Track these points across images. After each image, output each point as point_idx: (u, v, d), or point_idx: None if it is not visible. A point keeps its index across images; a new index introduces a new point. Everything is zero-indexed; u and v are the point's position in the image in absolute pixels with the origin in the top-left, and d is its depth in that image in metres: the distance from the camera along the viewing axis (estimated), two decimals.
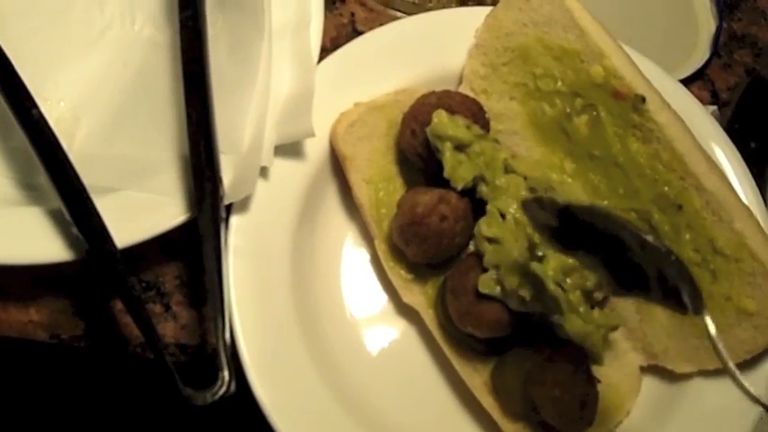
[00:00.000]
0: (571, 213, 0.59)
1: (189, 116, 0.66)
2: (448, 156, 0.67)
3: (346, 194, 0.74)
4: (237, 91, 0.69)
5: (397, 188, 0.73)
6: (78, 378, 0.71)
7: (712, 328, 0.57)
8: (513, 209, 0.68)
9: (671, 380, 0.71)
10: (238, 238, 0.67)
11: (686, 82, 0.83)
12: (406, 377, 0.72)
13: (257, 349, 0.66)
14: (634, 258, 0.58)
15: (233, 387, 0.58)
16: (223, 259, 0.64)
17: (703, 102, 0.84)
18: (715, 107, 0.84)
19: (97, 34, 0.75)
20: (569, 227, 0.59)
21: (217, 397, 0.57)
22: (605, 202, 0.72)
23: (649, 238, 0.57)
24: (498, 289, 0.65)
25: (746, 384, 0.58)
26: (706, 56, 0.85)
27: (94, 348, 0.70)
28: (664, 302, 0.59)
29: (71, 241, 0.64)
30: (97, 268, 0.64)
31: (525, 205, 0.62)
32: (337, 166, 0.73)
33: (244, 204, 0.68)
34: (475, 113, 0.70)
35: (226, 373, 0.58)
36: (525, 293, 0.65)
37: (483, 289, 0.65)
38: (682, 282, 0.57)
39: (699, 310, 0.57)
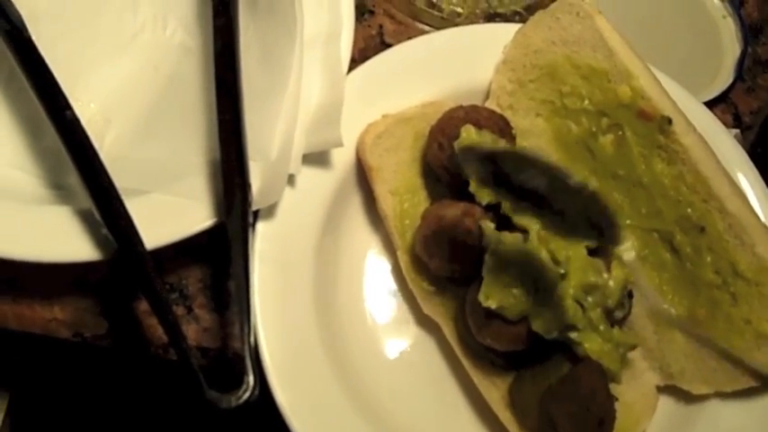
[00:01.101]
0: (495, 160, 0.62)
1: (220, 122, 0.67)
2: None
3: (371, 205, 0.74)
4: (268, 99, 0.70)
5: (421, 200, 0.73)
6: (100, 377, 0.71)
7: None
8: (537, 226, 0.68)
9: (687, 401, 0.72)
10: (264, 243, 0.68)
11: (710, 105, 0.83)
12: (424, 387, 0.72)
13: (279, 355, 0.66)
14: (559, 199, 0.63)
15: (257, 392, 0.59)
16: (251, 265, 0.64)
17: (726, 125, 0.84)
18: (738, 131, 0.85)
19: (129, 38, 0.76)
20: (498, 173, 0.64)
21: (241, 401, 0.58)
22: (628, 221, 0.72)
23: (570, 180, 0.62)
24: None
25: None
26: (730, 79, 0.85)
27: (117, 348, 0.71)
28: (588, 238, 0.66)
29: (100, 241, 0.65)
30: (126, 269, 0.65)
31: (461, 151, 0.65)
32: (363, 176, 0.74)
33: (270, 211, 0.69)
34: (501, 129, 0.70)
35: (251, 378, 0.59)
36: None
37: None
38: (601, 216, 0.65)
39: (616, 241, 0.67)
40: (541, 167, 0.64)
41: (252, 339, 0.61)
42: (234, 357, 0.71)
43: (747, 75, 0.88)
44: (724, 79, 0.86)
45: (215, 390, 0.59)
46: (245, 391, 0.58)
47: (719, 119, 0.81)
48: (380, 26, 0.83)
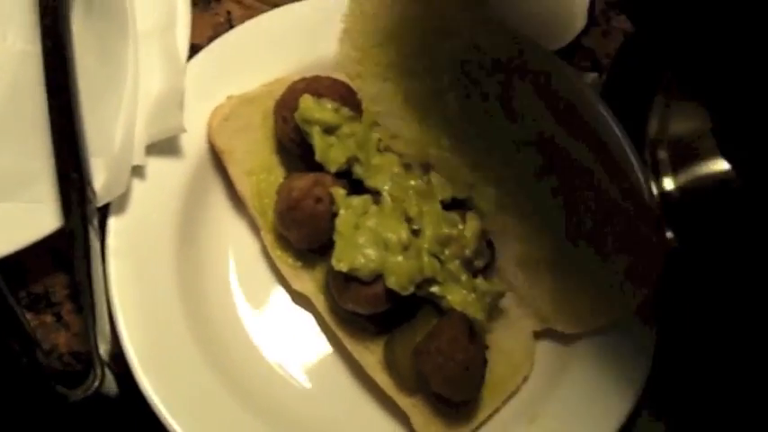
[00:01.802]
0: None
1: (53, 123, 0.66)
2: (317, 139, 0.68)
3: (231, 188, 0.74)
4: (106, 94, 0.70)
5: (278, 177, 0.73)
6: None
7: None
8: (387, 186, 0.69)
9: (565, 342, 0.72)
10: (116, 239, 0.67)
11: (567, 53, 0.84)
12: (302, 363, 0.72)
13: (143, 348, 0.66)
14: None
15: (109, 382, 0.59)
16: (96, 261, 0.64)
17: (584, 70, 0.85)
18: (595, 74, 0.85)
19: None
20: None
21: (90, 392, 0.57)
22: (485, 174, 0.72)
23: None
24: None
25: None
26: (583, 24, 0.86)
27: None
28: None
29: None
30: None
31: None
32: (219, 161, 0.73)
33: (121, 206, 0.68)
34: (344, 96, 0.71)
35: (98, 369, 0.59)
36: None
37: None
38: None
39: None
40: None
41: (99, 333, 0.61)
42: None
43: (601, 18, 0.89)
44: (578, 24, 0.86)
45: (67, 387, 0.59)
46: (93, 381, 0.58)
47: (579, 66, 0.81)
48: (228, 12, 0.82)
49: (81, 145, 0.66)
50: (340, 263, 0.65)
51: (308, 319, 0.73)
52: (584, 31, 0.86)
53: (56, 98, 0.67)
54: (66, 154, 0.65)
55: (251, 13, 0.82)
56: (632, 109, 0.79)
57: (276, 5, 0.83)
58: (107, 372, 0.59)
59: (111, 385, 0.59)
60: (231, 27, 0.82)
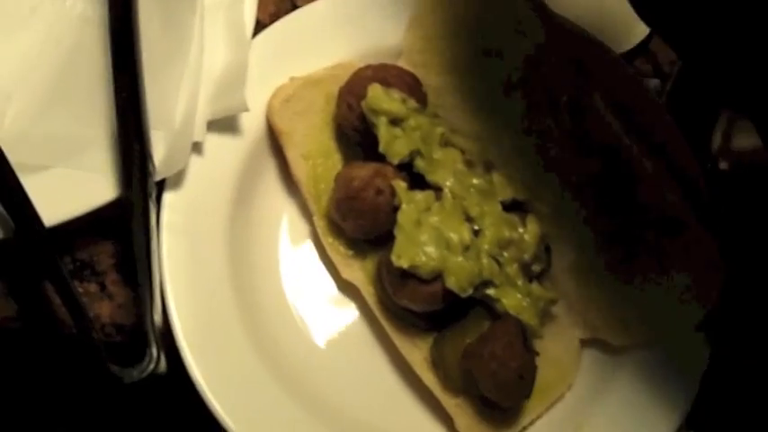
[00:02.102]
0: None
1: (117, 92, 0.65)
2: (383, 130, 0.67)
3: (285, 170, 0.73)
4: (169, 66, 0.68)
5: (335, 163, 0.72)
6: (11, 360, 0.70)
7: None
8: (449, 182, 0.67)
9: (612, 353, 0.71)
10: (172, 214, 0.66)
11: (629, 56, 0.82)
12: (346, 353, 0.71)
13: (191, 326, 0.65)
14: None
15: (162, 363, 0.58)
16: (154, 236, 0.63)
17: (646, 76, 0.83)
18: (657, 81, 0.84)
19: (28, 11, 0.73)
20: None
21: (145, 374, 0.57)
22: (545, 176, 0.71)
23: None
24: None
25: None
26: (647, 29, 0.84)
27: (28, 330, 0.69)
28: None
29: None
30: (25, 248, 0.63)
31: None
32: (276, 142, 0.72)
33: (178, 181, 0.67)
34: (411, 87, 0.69)
35: (154, 350, 0.58)
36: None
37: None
38: None
39: None
40: None
41: (156, 312, 0.60)
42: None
43: None
44: (642, 29, 0.85)
45: (120, 365, 0.58)
46: (149, 363, 0.57)
47: (639, 70, 0.80)
48: None
49: (144, 116, 0.65)
50: (400, 259, 0.64)
51: (353, 308, 0.72)
52: (647, 36, 0.85)
53: (121, 68, 0.65)
54: (129, 125, 0.64)
55: None
56: (696, 120, 0.78)
57: None
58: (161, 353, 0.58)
59: (162, 365, 0.58)
60: (293, 4, 0.80)
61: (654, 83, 0.84)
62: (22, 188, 0.62)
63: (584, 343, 0.72)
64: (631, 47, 0.83)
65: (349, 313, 0.72)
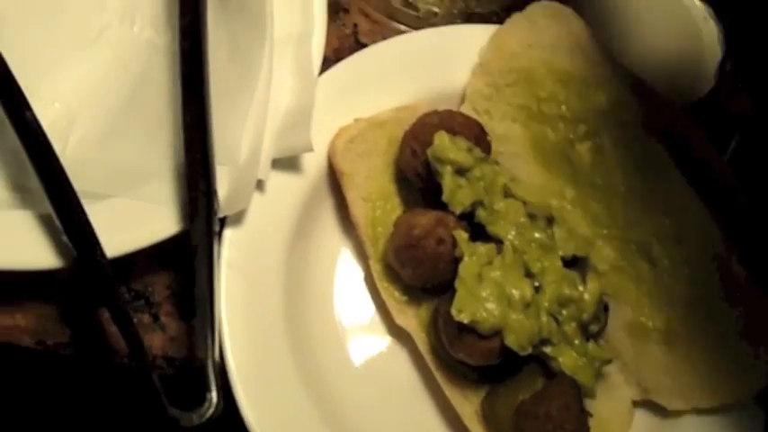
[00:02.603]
0: None
1: (186, 125, 0.64)
2: (448, 180, 0.66)
3: (343, 210, 0.72)
4: (236, 100, 0.68)
5: (394, 207, 0.72)
6: (63, 386, 0.70)
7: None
8: (511, 235, 0.67)
9: (663, 416, 0.70)
10: (232, 251, 0.66)
11: (695, 109, 0.82)
12: (395, 399, 0.70)
13: (245, 366, 0.65)
14: None
15: (221, 408, 0.57)
16: (215, 273, 0.62)
17: (712, 128, 0.82)
18: (721, 135, 0.83)
19: (96, 34, 0.73)
20: None
21: (204, 419, 0.56)
22: (605, 231, 0.71)
23: None
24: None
25: None
26: (711, 83, 0.84)
27: (80, 356, 0.69)
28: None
29: (60, 248, 0.63)
30: (85, 277, 0.62)
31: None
32: (334, 180, 0.72)
33: (238, 217, 0.67)
34: (477, 135, 0.69)
35: (214, 395, 0.57)
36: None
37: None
38: None
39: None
40: None
41: (216, 354, 0.59)
42: (200, 368, 0.68)
43: (729, 78, 0.86)
44: (705, 83, 0.84)
45: (177, 405, 0.58)
46: (208, 408, 0.57)
47: (702, 126, 0.79)
48: (355, 25, 0.81)
49: (210, 151, 0.64)
50: (461, 313, 0.63)
51: (404, 353, 0.72)
52: (712, 90, 0.84)
53: (190, 99, 0.65)
54: (196, 159, 0.63)
55: (378, 28, 0.81)
56: (760, 178, 0.77)
57: (399, 22, 0.81)
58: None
59: (220, 408, 0.58)
60: (357, 40, 0.80)
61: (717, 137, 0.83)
62: (87, 218, 0.62)
63: (636, 404, 0.71)
64: (695, 99, 0.83)
65: (400, 358, 0.72)
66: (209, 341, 0.59)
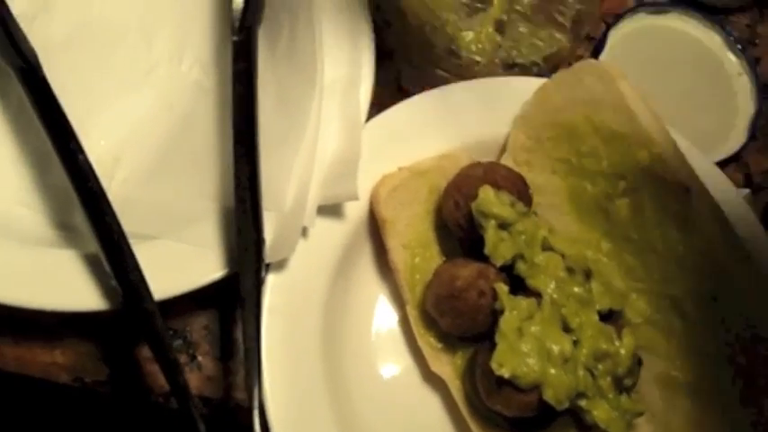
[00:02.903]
0: None
1: (236, 172, 0.65)
2: (491, 233, 0.67)
3: (381, 255, 0.73)
4: (283, 146, 0.69)
5: (433, 255, 0.72)
6: (99, 424, 0.70)
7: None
8: (550, 289, 0.68)
9: None
10: (273, 296, 0.67)
11: (722, 163, 0.83)
12: None
13: (284, 410, 0.65)
14: None
15: None
16: (262, 322, 0.63)
17: (737, 184, 0.83)
18: (748, 191, 0.84)
19: (144, 73, 0.74)
20: None
21: None
22: (639, 285, 0.72)
23: None
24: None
25: None
26: (744, 138, 0.85)
27: (117, 395, 0.69)
28: None
29: (106, 290, 0.64)
30: (131, 320, 0.63)
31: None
32: (374, 226, 0.73)
33: (281, 262, 0.67)
34: (520, 189, 0.70)
35: None
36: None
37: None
38: None
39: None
40: None
41: (260, 399, 0.60)
42: (235, 408, 0.69)
43: (760, 134, 0.88)
44: (737, 138, 0.85)
45: None
46: None
47: (731, 178, 0.80)
48: (398, 71, 0.81)
49: (259, 197, 0.65)
50: (502, 368, 0.64)
51: (438, 399, 0.73)
52: (741, 145, 0.85)
53: (242, 148, 0.65)
54: (247, 206, 0.64)
55: (420, 74, 0.81)
56: None
57: (441, 69, 0.82)
58: None
59: None
60: (399, 86, 0.81)
61: (745, 192, 0.84)
62: (136, 261, 0.62)
63: None
64: (726, 156, 0.84)
65: (434, 404, 0.72)
66: (256, 391, 0.60)
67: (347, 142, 0.70)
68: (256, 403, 0.60)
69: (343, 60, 0.72)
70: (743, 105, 0.87)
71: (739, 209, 0.77)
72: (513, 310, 0.66)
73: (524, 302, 0.66)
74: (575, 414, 0.68)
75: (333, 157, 0.69)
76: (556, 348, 0.65)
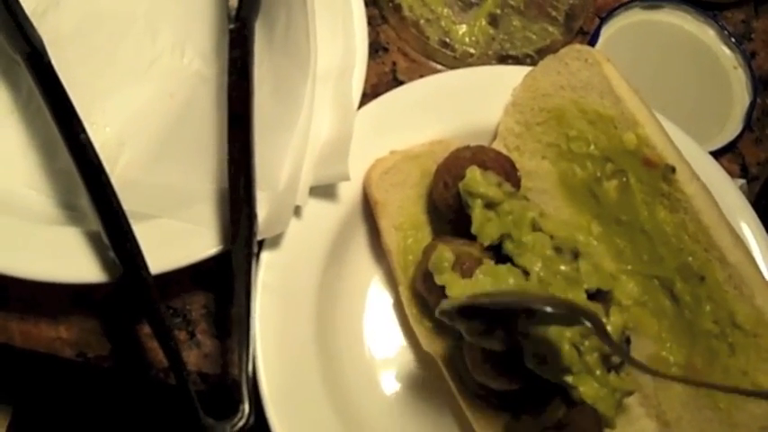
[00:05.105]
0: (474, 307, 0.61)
1: (231, 153, 0.68)
2: (477, 212, 0.68)
3: (375, 238, 0.75)
4: (278, 130, 0.71)
5: (425, 236, 0.74)
6: (101, 397, 0.72)
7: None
8: (537, 267, 0.69)
9: None
10: (267, 274, 0.69)
11: (717, 154, 0.84)
12: (420, 423, 0.73)
13: (277, 384, 0.67)
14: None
15: (252, 420, 0.60)
16: (253, 296, 0.65)
17: (732, 175, 0.84)
18: (744, 181, 0.85)
19: (147, 64, 0.77)
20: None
21: (236, 429, 0.59)
22: (629, 267, 0.73)
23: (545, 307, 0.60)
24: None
25: None
26: (738, 129, 0.86)
27: (119, 369, 0.72)
28: None
29: (107, 264, 0.66)
30: (130, 293, 0.66)
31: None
32: (368, 209, 0.75)
33: (275, 241, 0.70)
34: (507, 171, 0.71)
35: (246, 406, 0.60)
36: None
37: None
38: None
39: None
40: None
41: (250, 369, 0.62)
42: (233, 384, 0.71)
43: (756, 125, 0.89)
44: (732, 129, 0.86)
45: (211, 417, 0.60)
46: (240, 419, 0.59)
47: (726, 168, 0.81)
48: (394, 63, 0.84)
49: (253, 177, 0.67)
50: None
51: (430, 378, 0.74)
52: (737, 136, 0.86)
53: (237, 131, 0.68)
54: (240, 184, 0.67)
55: (415, 66, 0.84)
56: None
57: (436, 62, 0.84)
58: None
59: (251, 420, 0.60)
60: (395, 77, 0.84)
61: (740, 183, 0.85)
62: (134, 236, 0.65)
63: None
64: (721, 146, 0.85)
65: (426, 383, 0.74)
66: (245, 357, 0.62)
67: (339, 126, 0.72)
68: (244, 376, 0.61)
69: (338, 50, 0.75)
70: (738, 97, 0.88)
71: (734, 198, 0.78)
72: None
73: (503, 268, 0.67)
74: (564, 392, 0.68)
75: (326, 140, 0.72)
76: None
